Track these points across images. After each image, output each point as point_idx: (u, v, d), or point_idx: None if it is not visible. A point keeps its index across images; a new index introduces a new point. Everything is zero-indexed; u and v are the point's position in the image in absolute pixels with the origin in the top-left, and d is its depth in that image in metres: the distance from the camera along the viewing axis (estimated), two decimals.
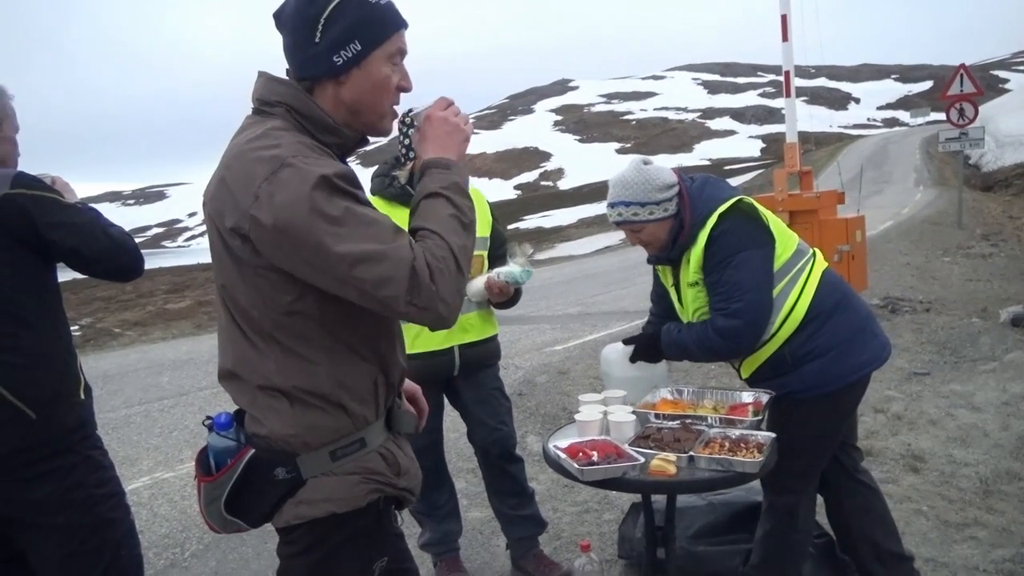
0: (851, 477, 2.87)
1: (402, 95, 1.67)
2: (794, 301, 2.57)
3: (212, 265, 1.60)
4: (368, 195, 3.18)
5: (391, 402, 1.70)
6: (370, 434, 1.61)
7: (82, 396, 2.16)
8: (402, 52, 1.62)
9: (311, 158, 1.47)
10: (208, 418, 1.59)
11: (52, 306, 2.14)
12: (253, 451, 1.54)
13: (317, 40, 1.55)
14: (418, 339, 3.06)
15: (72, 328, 14.56)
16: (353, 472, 1.57)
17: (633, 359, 2.81)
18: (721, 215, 2.54)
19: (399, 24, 1.61)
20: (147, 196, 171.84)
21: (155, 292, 20.51)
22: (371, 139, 1.72)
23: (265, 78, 1.62)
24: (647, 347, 2.78)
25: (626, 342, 2.81)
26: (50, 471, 2.04)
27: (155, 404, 7.52)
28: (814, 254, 2.71)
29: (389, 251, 1.44)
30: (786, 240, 2.63)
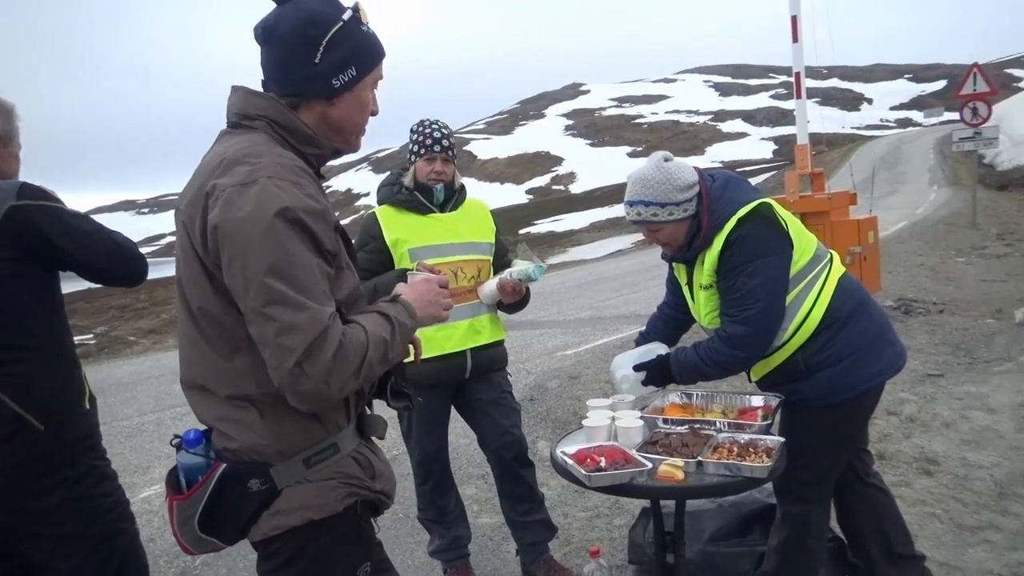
0: (862, 481, 2.86)
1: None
2: (809, 307, 2.53)
3: (179, 275, 1.61)
4: (377, 204, 3.22)
5: (361, 408, 1.72)
6: (343, 439, 1.63)
7: (87, 406, 2.18)
8: (381, 78, 1.72)
9: (285, 181, 1.48)
10: (176, 437, 1.59)
11: (57, 316, 2.15)
12: (224, 466, 1.54)
13: (317, 61, 1.58)
14: (431, 343, 3.07)
15: (87, 337, 14.69)
16: (328, 478, 1.58)
17: (646, 383, 2.74)
18: (740, 219, 2.48)
19: (383, 53, 1.70)
20: (161, 205, 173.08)
21: (169, 300, 20.61)
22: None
23: (243, 92, 1.64)
24: (658, 373, 2.72)
25: (637, 368, 2.74)
26: (58, 482, 2.05)
27: (168, 412, 7.55)
28: (831, 259, 2.67)
29: (313, 308, 1.43)
30: (805, 245, 2.58)
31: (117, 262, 2.18)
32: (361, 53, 1.64)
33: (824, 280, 2.57)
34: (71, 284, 2.49)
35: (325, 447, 1.59)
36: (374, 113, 1.72)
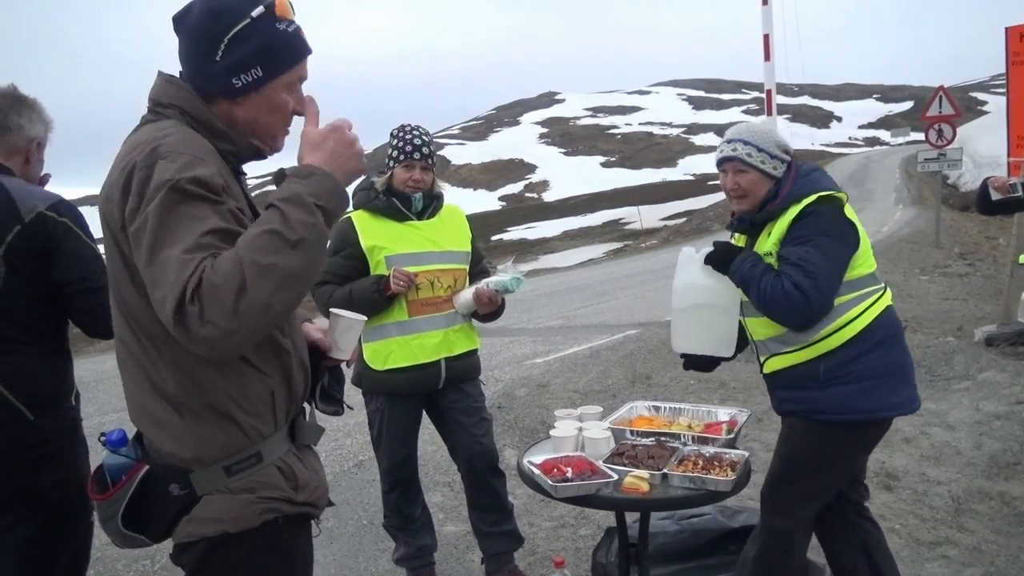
0: (858, 512, 2.78)
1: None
2: (854, 316, 2.50)
3: (109, 273, 1.56)
4: (351, 209, 3.19)
5: (294, 414, 1.65)
6: (267, 447, 1.56)
7: (73, 402, 2.26)
8: (302, 79, 1.62)
9: (183, 156, 1.41)
10: (102, 435, 1.58)
11: (58, 316, 2.21)
12: (148, 467, 1.52)
13: (218, 59, 1.52)
14: (404, 352, 3.07)
15: None
16: (247, 489, 1.52)
17: (707, 261, 2.68)
18: (820, 198, 2.50)
19: (302, 53, 1.60)
20: None
21: None
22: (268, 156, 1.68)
23: (162, 79, 1.59)
24: (721, 257, 2.65)
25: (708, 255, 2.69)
26: (38, 471, 2.13)
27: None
28: (885, 288, 2.67)
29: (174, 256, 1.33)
30: (868, 257, 2.60)
31: (87, 308, 2.18)
32: (270, 54, 1.53)
33: (875, 300, 2.56)
34: None
35: (247, 456, 1.53)
36: (298, 112, 1.62)
